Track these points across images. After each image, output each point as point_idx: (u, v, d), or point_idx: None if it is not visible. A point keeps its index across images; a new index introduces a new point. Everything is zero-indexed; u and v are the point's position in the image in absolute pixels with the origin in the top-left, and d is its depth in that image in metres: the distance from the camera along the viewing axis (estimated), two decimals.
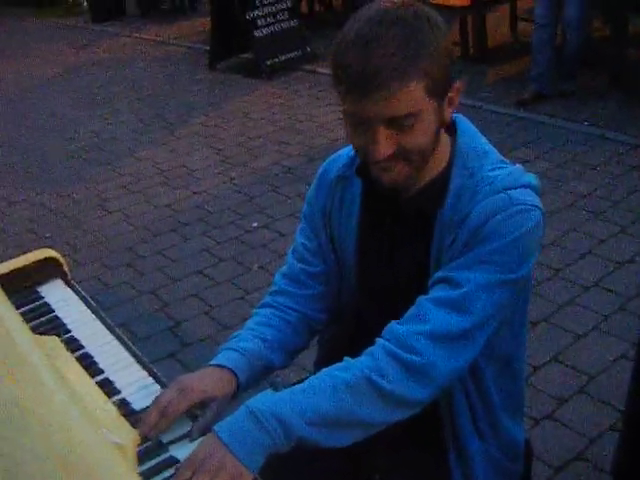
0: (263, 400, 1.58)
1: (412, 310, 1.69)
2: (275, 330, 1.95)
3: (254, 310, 2.06)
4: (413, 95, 1.60)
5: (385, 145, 1.66)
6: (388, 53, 1.57)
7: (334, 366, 1.65)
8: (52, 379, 0.90)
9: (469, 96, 6.94)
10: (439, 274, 1.72)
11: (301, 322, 2.01)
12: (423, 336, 1.63)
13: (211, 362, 1.85)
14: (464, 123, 1.84)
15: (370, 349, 1.66)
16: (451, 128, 1.82)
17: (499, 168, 1.74)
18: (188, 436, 1.65)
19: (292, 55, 8.76)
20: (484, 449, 1.90)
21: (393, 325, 1.68)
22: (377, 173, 1.75)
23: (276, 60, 8.62)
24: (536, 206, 1.68)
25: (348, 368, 1.62)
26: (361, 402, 1.59)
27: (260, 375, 1.91)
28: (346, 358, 1.67)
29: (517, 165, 1.79)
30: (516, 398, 1.97)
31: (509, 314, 1.78)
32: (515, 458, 1.99)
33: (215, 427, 1.55)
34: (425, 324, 1.64)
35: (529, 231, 1.66)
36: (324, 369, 1.66)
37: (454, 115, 1.84)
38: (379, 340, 1.67)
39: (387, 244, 1.90)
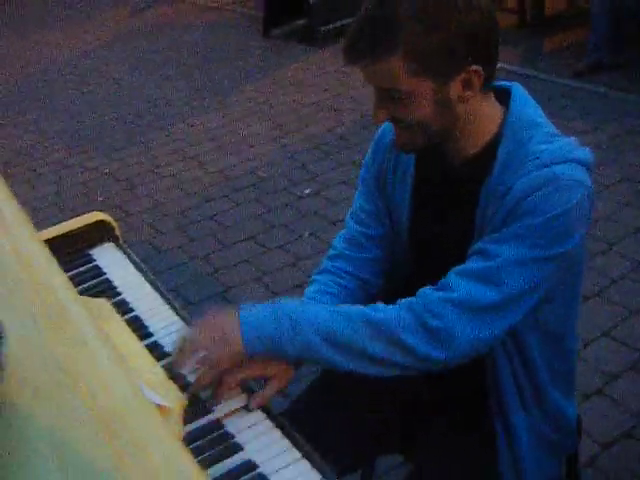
0: (290, 302, 1.73)
1: (445, 279, 1.71)
2: (334, 298, 1.97)
3: (313, 277, 2.08)
4: (394, 71, 1.63)
5: (380, 111, 1.74)
6: (367, 26, 1.62)
7: (365, 306, 1.73)
8: (97, 341, 0.90)
9: (525, 65, 6.85)
10: (476, 245, 1.72)
11: (358, 287, 2.03)
12: (449, 303, 1.66)
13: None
14: (519, 92, 1.80)
15: (399, 302, 1.71)
16: (504, 96, 1.79)
17: (549, 141, 1.70)
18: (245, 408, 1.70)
19: (347, 21, 8.63)
20: (530, 422, 1.88)
21: (426, 289, 1.72)
22: (394, 136, 1.81)
23: (331, 26, 8.54)
24: (581, 182, 1.64)
25: (376, 309, 1.70)
26: (374, 338, 1.67)
27: None
28: (379, 303, 1.74)
29: (570, 138, 1.75)
30: (567, 374, 1.95)
31: (556, 290, 1.76)
32: (566, 433, 1.97)
33: (241, 305, 1.71)
34: (453, 292, 1.67)
35: (570, 208, 1.62)
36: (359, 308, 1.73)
37: (511, 83, 1.83)
38: (410, 298, 1.71)
39: (438, 207, 1.90)
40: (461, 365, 1.73)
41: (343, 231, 2.11)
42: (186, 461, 0.83)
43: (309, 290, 2.02)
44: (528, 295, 1.67)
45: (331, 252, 2.10)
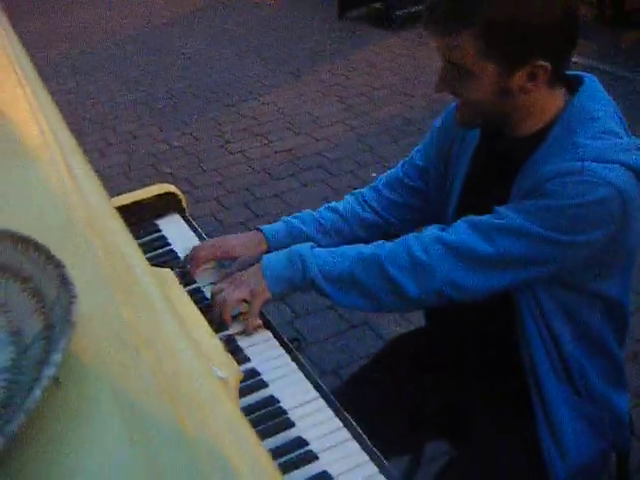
0: (304, 246, 1.87)
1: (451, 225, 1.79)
2: (340, 218, 2.15)
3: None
4: (464, 47, 1.65)
5: (442, 81, 1.76)
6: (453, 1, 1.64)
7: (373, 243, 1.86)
8: (165, 308, 0.91)
9: (602, 60, 6.74)
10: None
11: (375, 222, 2.17)
12: (441, 243, 1.74)
13: (258, 226, 2.18)
14: (590, 85, 1.78)
15: (401, 237, 1.83)
16: (573, 86, 1.78)
17: (602, 138, 1.67)
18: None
19: (422, 7, 8.57)
20: (568, 395, 1.88)
21: (433, 226, 1.82)
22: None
23: (406, 10, 8.48)
24: (611, 183, 1.60)
25: (376, 246, 1.83)
26: (368, 275, 1.79)
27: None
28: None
29: (631, 139, 1.72)
30: (612, 371, 1.93)
31: (588, 285, 1.78)
32: (614, 420, 1.95)
33: (264, 256, 1.91)
34: (450, 234, 1.75)
35: (588, 203, 1.60)
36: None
37: (586, 75, 1.80)
38: (413, 233, 1.83)
39: (485, 181, 1.93)
40: (497, 338, 1.87)
41: (391, 170, 2.22)
42: (247, 429, 0.84)
43: (329, 204, 2.21)
44: (520, 265, 1.70)
45: (372, 183, 2.23)
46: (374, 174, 5.18)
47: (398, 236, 2.06)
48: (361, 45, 8.14)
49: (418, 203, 2.16)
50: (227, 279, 1.92)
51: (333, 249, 1.87)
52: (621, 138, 1.69)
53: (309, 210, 2.18)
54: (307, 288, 1.88)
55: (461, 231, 1.74)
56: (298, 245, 1.88)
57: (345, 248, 1.87)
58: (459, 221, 1.77)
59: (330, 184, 5.19)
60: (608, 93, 1.79)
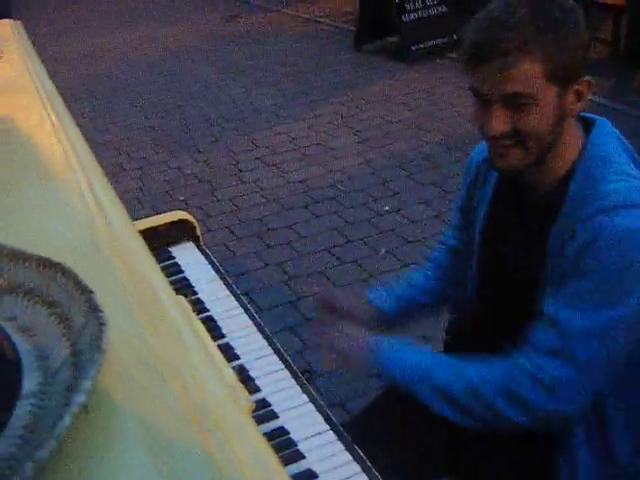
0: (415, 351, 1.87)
1: (531, 344, 1.71)
2: (423, 294, 2.19)
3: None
4: (529, 74, 1.61)
5: (499, 122, 1.68)
6: (509, 27, 1.60)
7: (480, 363, 1.78)
8: (191, 338, 0.91)
9: (616, 99, 6.75)
10: (549, 306, 1.69)
11: (439, 292, 2.21)
12: (539, 384, 1.68)
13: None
14: (603, 126, 1.77)
15: (502, 371, 1.74)
16: (588, 128, 1.77)
17: (623, 180, 1.65)
18: None
19: (439, 42, 8.63)
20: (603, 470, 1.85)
21: (519, 358, 1.72)
22: (493, 156, 1.77)
23: (422, 45, 8.53)
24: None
25: (484, 381, 1.74)
26: (480, 407, 1.75)
27: (414, 312, 2.22)
28: (490, 362, 1.77)
29: None
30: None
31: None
32: None
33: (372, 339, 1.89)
34: (542, 372, 1.68)
35: (627, 265, 1.58)
36: (472, 364, 1.79)
37: (597, 117, 1.80)
38: (510, 367, 1.73)
39: (510, 231, 1.90)
40: None
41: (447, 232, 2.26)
42: (271, 457, 0.83)
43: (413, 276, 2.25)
44: (609, 361, 1.67)
45: (442, 239, 2.27)
46: (387, 207, 5.19)
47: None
48: (377, 78, 8.17)
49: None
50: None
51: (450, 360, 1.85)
52: (638, 178, 1.68)
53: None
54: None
55: (546, 365, 1.68)
56: (416, 360, 1.86)
57: (464, 369, 1.80)
58: (535, 350, 1.70)
59: (343, 216, 5.18)
60: (621, 132, 1.79)
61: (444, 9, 8.86)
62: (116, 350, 0.77)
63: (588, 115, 1.82)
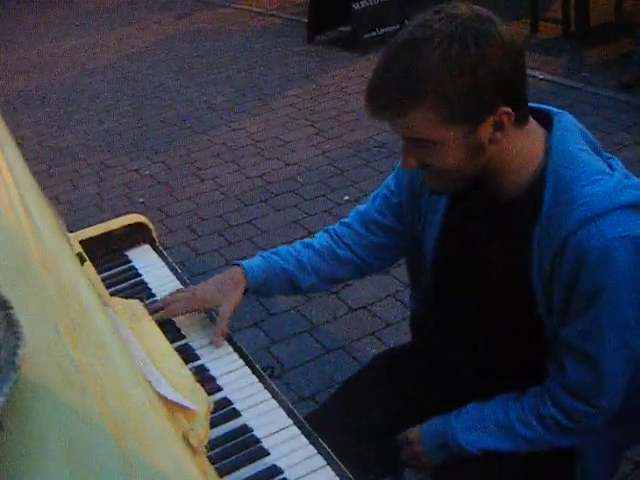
0: (454, 428, 1.88)
1: (570, 381, 1.74)
2: (317, 256, 2.12)
3: (318, 232, 2.21)
4: (422, 120, 1.57)
5: (408, 158, 1.69)
6: (400, 73, 1.57)
7: (515, 411, 1.82)
8: (115, 346, 0.91)
9: (568, 76, 6.80)
10: (579, 338, 1.69)
11: (350, 260, 2.13)
12: (589, 415, 1.75)
13: (237, 262, 2.12)
14: (562, 121, 1.73)
15: (542, 413, 1.79)
16: (547, 125, 1.73)
17: (594, 182, 1.62)
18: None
19: (391, 29, 8.61)
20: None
21: (560, 393, 1.76)
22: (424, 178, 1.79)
23: (374, 34, 8.53)
24: (628, 236, 1.58)
25: (525, 425, 1.80)
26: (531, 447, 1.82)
27: (284, 286, 2.13)
28: (525, 404, 1.81)
29: (616, 172, 1.68)
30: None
31: None
32: None
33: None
34: (588, 405, 1.74)
35: (626, 268, 1.58)
36: (511, 407, 1.83)
37: (555, 110, 1.77)
38: (548, 405, 1.78)
39: (474, 240, 1.86)
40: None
41: (363, 205, 2.15)
42: (193, 469, 0.83)
43: (303, 241, 2.19)
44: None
45: (344, 219, 2.18)
46: (346, 197, 5.20)
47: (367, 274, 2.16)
48: (330, 69, 8.17)
49: (394, 242, 2.10)
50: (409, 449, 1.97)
51: (479, 420, 1.87)
52: (610, 175, 1.65)
53: (284, 246, 2.17)
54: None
55: (592, 399, 1.74)
56: (444, 424, 1.91)
57: (492, 421, 1.85)
58: (576, 384, 1.74)
59: (303, 209, 5.19)
60: (577, 108, 1.78)
61: None
62: (36, 362, 0.77)
63: (544, 107, 1.79)
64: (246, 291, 2.08)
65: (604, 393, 1.71)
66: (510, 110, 1.59)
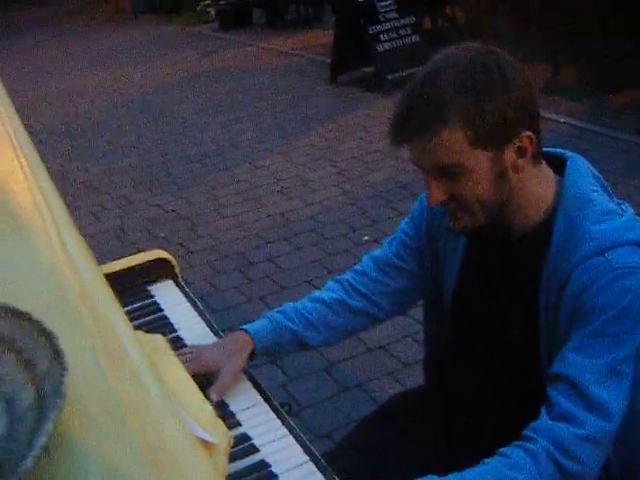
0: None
1: (559, 408, 1.62)
2: (327, 310, 2.06)
3: (329, 281, 2.16)
4: (450, 143, 1.60)
5: (435, 193, 1.69)
6: (428, 98, 1.61)
7: (501, 463, 1.60)
8: (150, 377, 0.93)
9: (590, 121, 6.82)
10: (561, 363, 1.64)
11: (364, 310, 2.07)
12: (583, 441, 1.59)
13: (243, 326, 2.05)
14: (575, 164, 1.77)
15: (532, 448, 1.59)
16: (560, 169, 1.76)
17: (604, 221, 1.65)
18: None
19: (414, 70, 8.53)
20: None
21: (548, 422, 1.62)
22: (448, 218, 1.78)
23: (397, 75, 8.58)
24: (638, 267, 1.59)
25: (517, 468, 1.57)
26: None
27: (292, 346, 2.08)
28: (506, 452, 1.61)
29: (627, 214, 1.71)
30: None
31: None
32: None
33: None
34: (582, 428, 1.59)
35: (633, 299, 1.58)
36: (490, 463, 1.61)
37: (568, 153, 1.80)
38: (538, 440, 1.60)
39: (490, 281, 1.88)
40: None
41: (377, 252, 2.13)
42: None
43: (313, 294, 2.14)
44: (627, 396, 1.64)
45: (357, 266, 2.13)
46: (366, 237, 5.23)
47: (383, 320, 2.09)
48: (353, 109, 8.23)
49: (412, 285, 2.07)
50: None
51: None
52: (620, 215, 1.68)
53: (290, 304, 2.13)
54: None
55: (584, 419, 1.58)
56: None
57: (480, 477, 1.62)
58: (566, 407, 1.60)
59: (323, 248, 5.22)
60: (599, 153, 1.81)
61: (417, 38, 8.95)
62: (78, 393, 0.80)
63: (558, 152, 1.82)
64: (252, 354, 2.01)
65: (598, 411, 1.60)
66: (532, 135, 1.64)
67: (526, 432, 1.62)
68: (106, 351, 0.89)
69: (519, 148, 1.64)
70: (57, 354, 0.81)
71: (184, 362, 1.88)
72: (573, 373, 1.60)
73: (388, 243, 2.11)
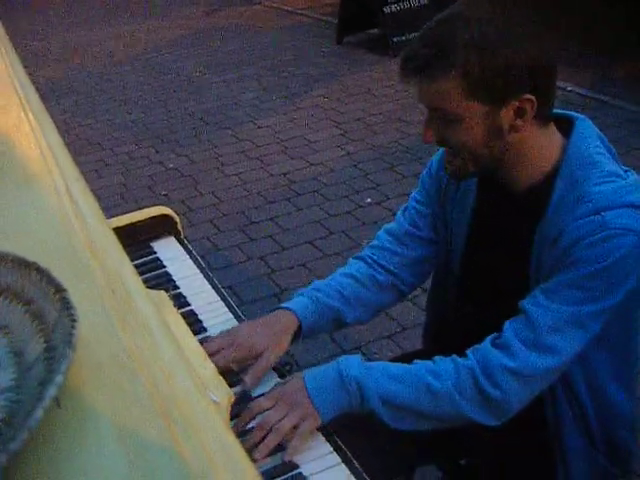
0: (354, 366, 1.70)
1: (504, 337, 1.69)
2: (359, 285, 2.03)
3: (350, 259, 2.13)
4: (444, 93, 1.64)
5: (428, 130, 1.74)
6: (434, 42, 1.63)
7: (425, 365, 1.72)
8: (161, 332, 0.93)
9: (595, 90, 6.79)
10: (531, 299, 1.69)
11: (389, 282, 2.07)
12: (509, 373, 1.66)
13: (282, 304, 1.96)
14: (582, 125, 1.77)
15: (460, 362, 1.70)
16: (568, 131, 1.76)
17: (606, 182, 1.66)
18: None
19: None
20: (589, 452, 1.89)
21: (486, 345, 1.70)
22: (443, 162, 1.82)
23: (404, 38, 8.54)
24: (631, 229, 1.59)
25: (437, 375, 1.68)
26: (436, 407, 1.69)
27: (330, 325, 2.02)
28: (437, 360, 1.72)
29: (630, 177, 1.72)
30: (625, 420, 1.92)
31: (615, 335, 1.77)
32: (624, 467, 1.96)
33: (305, 372, 1.71)
34: (514, 360, 1.65)
35: (619, 258, 1.59)
36: (418, 363, 1.73)
37: (576, 115, 1.80)
38: (471, 357, 1.70)
39: (495, 237, 1.90)
40: None
41: (391, 224, 2.14)
42: (239, 451, 0.86)
43: (338, 271, 2.08)
44: (580, 350, 1.68)
45: (374, 242, 2.13)
46: (369, 199, 5.22)
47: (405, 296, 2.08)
48: (358, 70, 8.19)
49: (430, 253, 2.08)
50: (269, 396, 1.69)
51: (386, 368, 1.72)
52: (623, 178, 1.69)
53: (319, 281, 2.04)
54: (361, 412, 1.71)
55: (522, 352, 1.65)
56: (344, 362, 1.70)
57: (401, 370, 1.71)
58: (509, 338, 1.67)
59: (325, 209, 5.21)
60: (605, 122, 1.80)
61: (424, 1, 8.88)
62: (88, 345, 0.80)
63: (566, 113, 1.82)
64: (293, 337, 1.91)
65: (537, 349, 1.65)
66: (534, 99, 1.64)
67: (468, 350, 1.72)
68: (116, 304, 0.89)
69: (518, 109, 1.65)
70: (66, 305, 0.81)
71: (227, 349, 1.82)
72: (535, 312, 1.66)
73: (401, 214, 2.12)
